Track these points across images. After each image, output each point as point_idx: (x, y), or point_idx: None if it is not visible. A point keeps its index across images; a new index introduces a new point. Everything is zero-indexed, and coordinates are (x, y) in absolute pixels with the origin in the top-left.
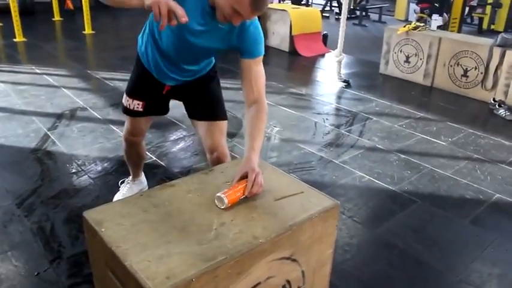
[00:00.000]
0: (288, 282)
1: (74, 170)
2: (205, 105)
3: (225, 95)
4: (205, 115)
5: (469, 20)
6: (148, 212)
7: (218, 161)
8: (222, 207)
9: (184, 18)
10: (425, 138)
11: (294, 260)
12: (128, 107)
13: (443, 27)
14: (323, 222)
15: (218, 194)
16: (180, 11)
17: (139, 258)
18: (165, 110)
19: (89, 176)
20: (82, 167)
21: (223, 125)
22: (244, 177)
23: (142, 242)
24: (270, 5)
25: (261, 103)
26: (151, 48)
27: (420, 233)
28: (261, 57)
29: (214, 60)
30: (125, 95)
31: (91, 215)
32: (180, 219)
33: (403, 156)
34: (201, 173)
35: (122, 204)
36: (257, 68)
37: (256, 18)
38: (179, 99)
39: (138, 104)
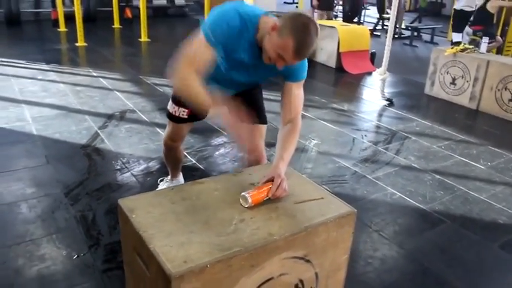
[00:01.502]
0: (301, 281)
1: (118, 167)
2: (248, 109)
3: (269, 106)
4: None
5: None
6: (176, 204)
7: (256, 161)
8: (246, 205)
9: (242, 145)
10: (464, 161)
11: (308, 261)
12: (174, 113)
13: (497, 51)
14: (338, 228)
15: (243, 194)
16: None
17: (162, 243)
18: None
19: (131, 174)
20: (126, 165)
21: (263, 128)
22: (270, 181)
23: (167, 230)
24: (319, 21)
25: (296, 123)
26: None
27: (446, 252)
28: (303, 81)
29: None
30: (170, 102)
31: (125, 203)
32: (204, 213)
33: (438, 176)
34: (230, 174)
35: (154, 195)
36: (297, 91)
37: None
38: None
39: (183, 112)
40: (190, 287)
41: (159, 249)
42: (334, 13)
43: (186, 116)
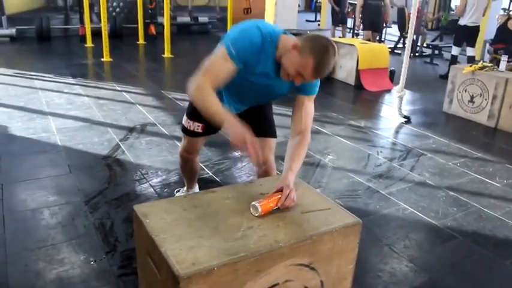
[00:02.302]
0: None
1: (137, 178)
2: (258, 123)
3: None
4: (257, 132)
5: None
6: (188, 210)
7: (266, 173)
8: (256, 214)
9: (256, 160)
10: (479, 178)
11: (313, 269)
12: (189, 128)
13: None
14: (343, 237)
15: (253, 203)
16: (254, 153)
17: (173, 246)
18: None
19: (150, 184)
20: (145, 176)
21: (273, 142)
22: (279, 191)
23: (178, 234)
24: (338, 39)
25: (306, 135)
26: None
27: (457, 268)
28: (314, 96)
29: None
30: (185, 117)
31: (140, 209)
32: (214, 220)
33: (452, 193)
34: (241, 184)
35: (167, 202)
36: (309, 105)
37: None
38: None
39: (198, 126)
40: None
41: (170, 252)
42: (356, 31)
43: (200, 131)
